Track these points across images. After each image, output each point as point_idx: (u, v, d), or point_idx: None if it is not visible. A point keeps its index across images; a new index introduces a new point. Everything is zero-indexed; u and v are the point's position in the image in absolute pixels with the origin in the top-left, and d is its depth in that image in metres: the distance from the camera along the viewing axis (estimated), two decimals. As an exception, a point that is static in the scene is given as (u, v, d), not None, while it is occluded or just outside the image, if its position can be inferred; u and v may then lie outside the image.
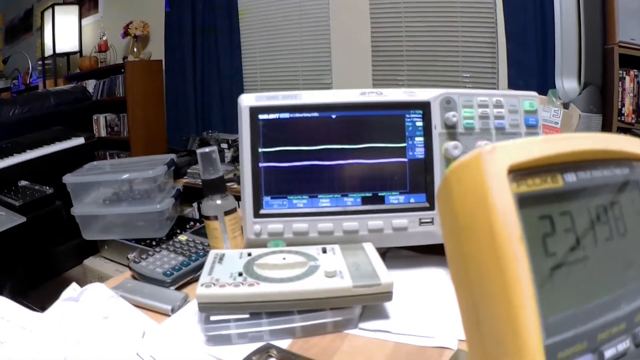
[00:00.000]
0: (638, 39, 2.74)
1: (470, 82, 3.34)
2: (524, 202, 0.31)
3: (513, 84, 3.06)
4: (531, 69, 3.04)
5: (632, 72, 2.78)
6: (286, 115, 0.87)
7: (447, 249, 0.35)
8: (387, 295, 0.71)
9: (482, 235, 0.30)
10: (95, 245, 2.91)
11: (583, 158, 0.35)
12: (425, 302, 0.79)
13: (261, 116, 0.86)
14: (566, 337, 0.31)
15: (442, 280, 0.85)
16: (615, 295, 0.34)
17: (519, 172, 0.32)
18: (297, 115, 0.87)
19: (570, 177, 0.35)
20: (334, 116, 0.87)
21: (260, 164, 0.86)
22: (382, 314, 0.75)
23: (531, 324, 0.29)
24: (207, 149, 0.86)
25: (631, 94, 2.66)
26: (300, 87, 3.99)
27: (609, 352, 0.33)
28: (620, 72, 2.76)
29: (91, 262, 2.89)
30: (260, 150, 0.86)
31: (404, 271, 0.88)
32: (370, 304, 0.75)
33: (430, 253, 0.94)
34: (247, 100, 0.87)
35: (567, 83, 2.94)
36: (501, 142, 0.32)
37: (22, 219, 2.56)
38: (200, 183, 0.89)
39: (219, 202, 0.87)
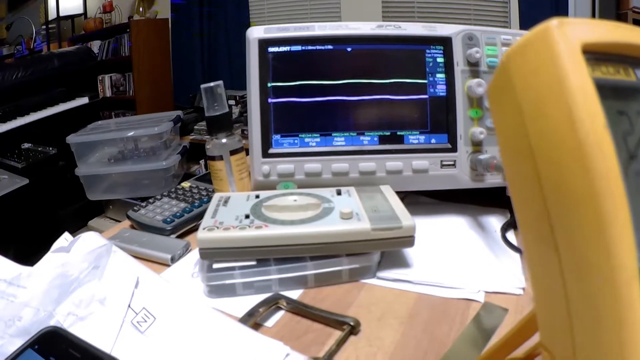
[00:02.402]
0: (653, 6, 2.69)
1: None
2: (601, 90, 0.23)
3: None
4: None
5: (645, 38, 2.73)
6: (298, 47, 0.80)
7: (504, 152, 0.27)
8: (409, 240, 0.65)
9: (558, 124, 0.23)
10: (100, 206, 2.90)
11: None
12: (447, 252, 0.72)
13: (271, 49, 0.79)
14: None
15: (464, 229, 0.79)
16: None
17: (591, 54, 0.25)
18: (310, 47, 0.80)
19: (643, 75, 0.28)
20: (349, 49, 0.80)
21: (270, 100, 0.80)
22: (402, 263, 0.69)
23: (625, 237, 0.22)
24: (211, 84, 0.79)
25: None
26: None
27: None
28: (634, 37, 2.72)
29: (96, 222, 2.89)
30: (269, 84, 0.79)
31: (424, 218, 0.81)
32: (390, 249, 0.68)
33: (450, 200, 0.88)
34: (256, 32, 0.80)
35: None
36: (565, 18, 0.25)
37: (24, 181, 2.55)
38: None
39: (224, 140, 0.80)
